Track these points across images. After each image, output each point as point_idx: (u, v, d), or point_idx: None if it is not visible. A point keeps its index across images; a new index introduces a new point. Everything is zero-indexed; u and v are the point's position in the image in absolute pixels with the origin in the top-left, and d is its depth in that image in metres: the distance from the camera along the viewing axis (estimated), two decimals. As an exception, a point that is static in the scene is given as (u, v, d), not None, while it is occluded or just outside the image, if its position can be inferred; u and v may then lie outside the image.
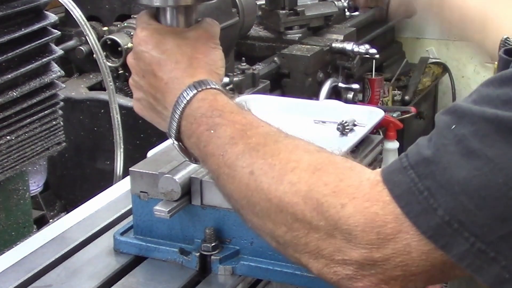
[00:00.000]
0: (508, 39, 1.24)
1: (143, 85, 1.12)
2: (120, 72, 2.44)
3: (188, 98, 1.05)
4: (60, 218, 1.54)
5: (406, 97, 3.72)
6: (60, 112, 1.64)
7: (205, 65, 1.10)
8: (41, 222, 1.87)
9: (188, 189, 1.27)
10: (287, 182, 0.92)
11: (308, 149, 0.97)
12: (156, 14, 1.16)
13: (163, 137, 1.35)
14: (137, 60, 1.12)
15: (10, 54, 1.47)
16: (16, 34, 1.48)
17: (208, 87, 1.06)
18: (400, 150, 3.07)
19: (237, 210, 1.02)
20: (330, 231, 0.88)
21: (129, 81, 1.16)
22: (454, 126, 0.83)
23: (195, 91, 1.05)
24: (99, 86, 2.52)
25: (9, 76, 1.47)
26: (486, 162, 0.80)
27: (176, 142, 1.08)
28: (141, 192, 1.31)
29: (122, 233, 1.35)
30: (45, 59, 1.56)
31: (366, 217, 0.85)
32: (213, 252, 1.27)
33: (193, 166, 1.27)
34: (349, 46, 2.97)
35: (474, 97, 0.85)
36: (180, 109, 1.05)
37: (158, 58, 1.09)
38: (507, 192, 0.79)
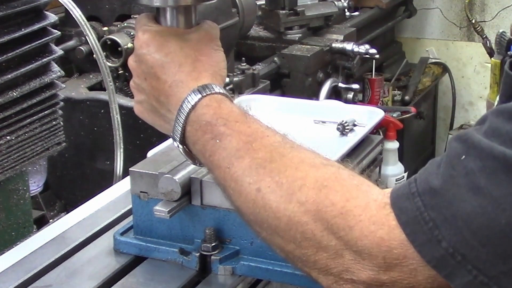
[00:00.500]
0: (504, 33, 1.24)
1: (145, 88, 1.12)
2: (120, 72, 2.44)
3: (193, 103, 1.04)
4: (60, 218, 1.54)
5: (406, 97, 3.72)
6: (60, 112, 1.64)
7: (209, 68, 1.10)
8: (41, 222, 1.87)
9: (188, 189, 1.27)
10: (296, 201, 0.93)
11: (314, 163, 0.97)
12: (155, 15, 1.15)
13: (163, 137, 1.35)
14: (139, 63, 1.11)
15: (10, 54, 1.47)
16: (16, 34, 1.48)
17: (212, 92, 1.05)
18: (400, 150, 3.08)
19: (245, 222, 1.02)
20: (339, 251, 0.90)
21: (130, 84, 1.16)
22: (463, 157, 0.84)
23: (199, 96, 1.05)
24: (99, 86, 2.52)
25: (9, 76, 1.47)
26: (490, 201, 0.81)
27: (181, 146, 1.08)
28: (141, 192, 1.31)
29: (122, 233, 1.35)
30: (45, 59, 1.56)
31: (372, 241, 0.87)
32: (213, 252, 1.27)
33: (193, 166, 1.27)
34: (349, 46, 2.97)
35: (486, 128, 0.85)
36: (185, 114, 1.05)
37: (161, 61, 1.09)
38: (509, 233, 0.80)
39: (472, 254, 0.82)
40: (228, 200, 1.04)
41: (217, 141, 1.01)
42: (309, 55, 2.86)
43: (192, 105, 1.04)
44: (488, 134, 0.84)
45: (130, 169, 1.33)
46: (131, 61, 1.14)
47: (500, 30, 3.33)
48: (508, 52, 3.11)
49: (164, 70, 1.09)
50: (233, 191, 1.00)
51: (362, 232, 0.87)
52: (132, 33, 2.33)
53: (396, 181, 2.92)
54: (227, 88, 2.49)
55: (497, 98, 1.00)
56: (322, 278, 0.93)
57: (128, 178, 1.36)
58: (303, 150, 1.00)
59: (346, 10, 3.32)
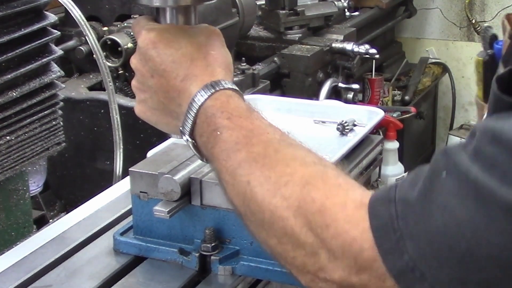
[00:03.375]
0: (488, 27, 1.21)
1: (152, 86, 1.10)
2: (120, 72, 2.45)
3: (206, 96, 1.04)
4: (60, 218, 1.54)
5: (406, 97, 3.72)
6: (60, 112, 1.64)
7: (221, 63, 1.10)
8: (41, 222, 1.87)
9: (188, 189, 1.27)
10: (280, 196, 0.93)
11: (305, 161, 0.97)
12: (155, 16, 1.15)
13: (163, 137, 1.36)
14: (145, 61, 1.10)
15: (10, 54, 1.47)
16: (16, 34, 1.48)
17: (225, 87, 1.05)
18: (400, 150, 3.08)
19: (237, 214, 1.03)
20: (315, 249, 0.90)
21: (132, 83, 1.15)
22: (444, 174, 0.83)
23: (212, 90, 1.04)
24: (99, 86, 2.52)
25: (9, 76, 1.47)
26: (455, 224, 0.80)
27: (190, 140, 1.07)
28: (141, 192, 1.31)
29: (122, 233, 1.35)
30: (45, 59, 1.56)
31: (345, 241, 0.87)
32: (213, 252, 1.27)
33: (193, 166, 1.27)
34: (349, 46, 2.97)
35: (472, 147, 0.83)
36: (197, 108, 1.04)
37: (172, 56, 1.08)
38: (468, 259, 0.79)
39: (431, 273, 0.82)
40: (223, 193, 1.04)
41: (219, 133, 1.02)
42: (309, 55, 2.86)
43: (205, 99, 1.04)
44: (471, 155, 0.82)
45: (130, 169, 1.33)
46: (134, 61, 1.12)
47: (485, 25, 3.30)
48: (488, 51, 3.07)
49: (175, 65, 1.08)
50: (227, 183, 1.01)
51: (336, 230, 0.87)
52: (132, 33, 2.33)
53: (396, 181, 2.92)
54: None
55: (485, 111, 0.98)
56: (301, 276, 0.94)
57: (128, 178, 1.36)
58: (299, 149, 1.00)
59: (346, 10, 3.32)
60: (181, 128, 1.07)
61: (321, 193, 0.91)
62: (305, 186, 0.92)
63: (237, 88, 1.07)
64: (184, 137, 1.07)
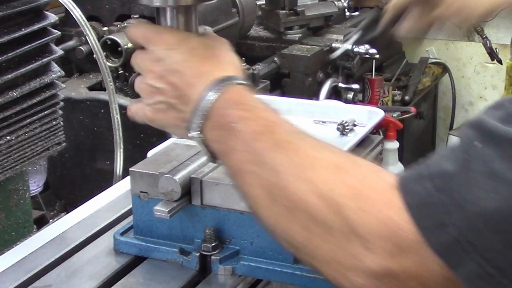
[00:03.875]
0: None
1: (163, 86, 1.08)
2: (120, 72, 2.45)
3: (218, 90, 1.02)
4: (60, 218, 1.54)
5: (406, 97, 3.72)
6: (60, 112, 1.64)
7: (231, 62, 1.09)
8: (41, 222, 1.87)
9: (188, 189, 1.27)
10: (307, 181, 0.90)
11: (332, 148, 0.95)
12: (156, 17, 1.15)
13: (163, 137, 1.36)
14: (157, 61, 1.08)
15: (10, 54, 1.47)
16: (16, 34, 1.48)
17: (238, 82, 1.04)
18: (400, 150, 3.08)
19: (254, 208, 0.98)
20: (346, 235, 0.85)
21: (141, 87, 1.11)
22: (479, 144, 0.81)
23: (224, 84, 1.03)
24: (99, 86, 2.52)
25: (9, 76, 1.47)
26: (506, 186, 0.77)
27: (201, 135, 1.03)
28: (141, 192, 1.31)
29: (122, 233, 1.35)
30: (45, 59, 1.56)
31: (383, 224, 0.83)
32: (213, 252, 1.27)
33: (193, 166, 1.27)
34: (349, 46, 2.97)
35: (501, 114, 0.82)
36: (208, 102, 1.02)
37: (183, 55, 1.07)
38: None
39: (481, 242, 0.78)
40: (238, 186, 1.00)
41: (235, 124, 0.99)
42: (309, 55, 2.86)
43: (217, 93, 1.02)
44: (504, 120, 0.80)
45: (130, 169, 1.33)
46: (147, 63, 1.10)
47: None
48: None
49: (188, 63, 1.07)
50: (248, 172, 0.96)
51: (373, 214, 0.84)
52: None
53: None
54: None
55: None
56: (326, 268, 0.89)
57: (128, 178, 1.36)
58: (321, 140, 0.97)
59: (346, 10, 3.32)
60: (188, 125, 1.04)
61: (352, 176, 0.89)
62: (335, 171, 0.90)
63: (250, 85, 1.06)
64: (192, 133, 1.04)
